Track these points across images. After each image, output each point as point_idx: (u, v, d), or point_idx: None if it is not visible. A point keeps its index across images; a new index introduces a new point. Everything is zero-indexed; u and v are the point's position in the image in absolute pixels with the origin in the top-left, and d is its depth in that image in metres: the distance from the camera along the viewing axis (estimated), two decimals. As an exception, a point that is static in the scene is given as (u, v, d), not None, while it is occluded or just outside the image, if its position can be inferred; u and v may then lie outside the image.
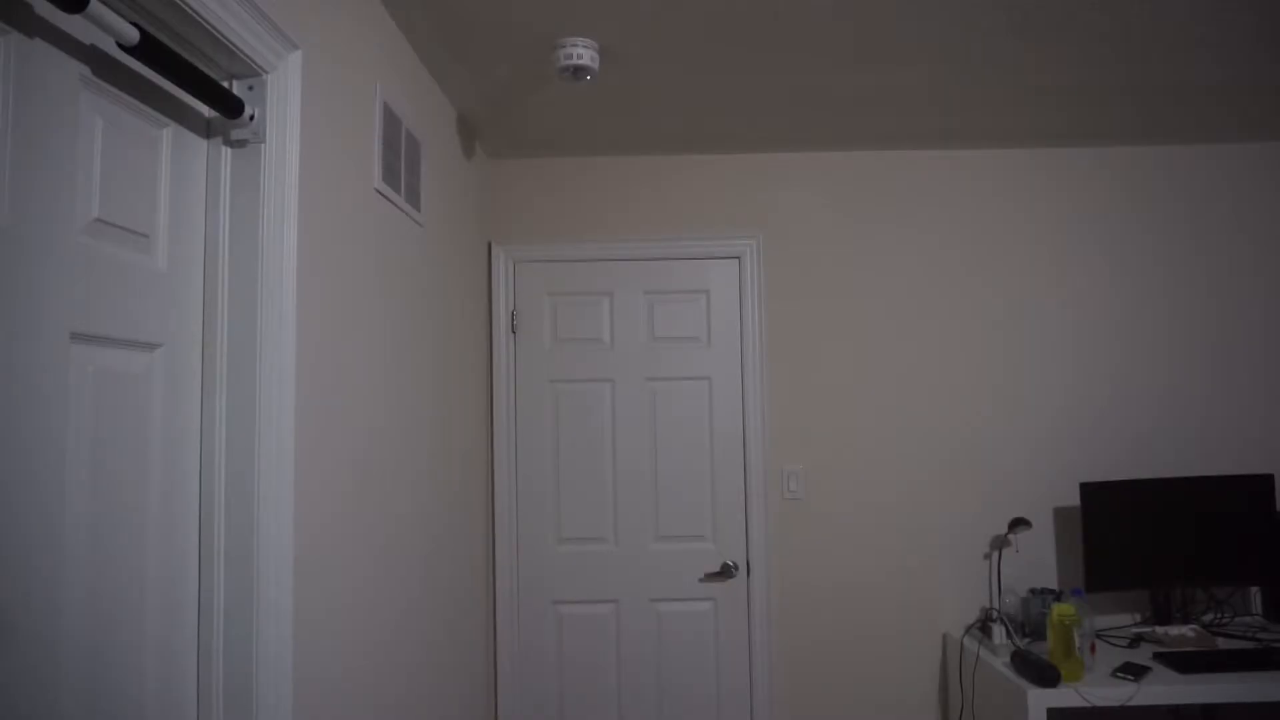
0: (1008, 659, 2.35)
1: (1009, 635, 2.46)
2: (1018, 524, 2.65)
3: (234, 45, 1.18)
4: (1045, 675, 2.13)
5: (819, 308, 2.83)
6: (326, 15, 1.50)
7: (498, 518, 2.76)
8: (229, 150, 1.27)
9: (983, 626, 2.57)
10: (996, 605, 2.72)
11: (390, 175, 1.82)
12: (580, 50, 1.93)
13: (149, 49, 0.99)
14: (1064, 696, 2.12)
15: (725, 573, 2.76)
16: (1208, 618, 2.67)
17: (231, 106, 1.21)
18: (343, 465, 1.55)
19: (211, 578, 1.21)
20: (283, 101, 1.31)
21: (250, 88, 1.28)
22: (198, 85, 1.12)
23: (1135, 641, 2.48)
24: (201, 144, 1.25)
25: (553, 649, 2.75)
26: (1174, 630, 2.49)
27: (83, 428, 0.98)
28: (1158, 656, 2.34)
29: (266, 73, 1.28)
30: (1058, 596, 2.53)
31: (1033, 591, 2.56)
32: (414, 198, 1.98)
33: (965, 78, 2.24)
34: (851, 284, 2.84)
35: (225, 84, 1.27)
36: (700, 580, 2.77)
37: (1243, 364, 2.80)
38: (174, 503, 1.16)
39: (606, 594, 2.76)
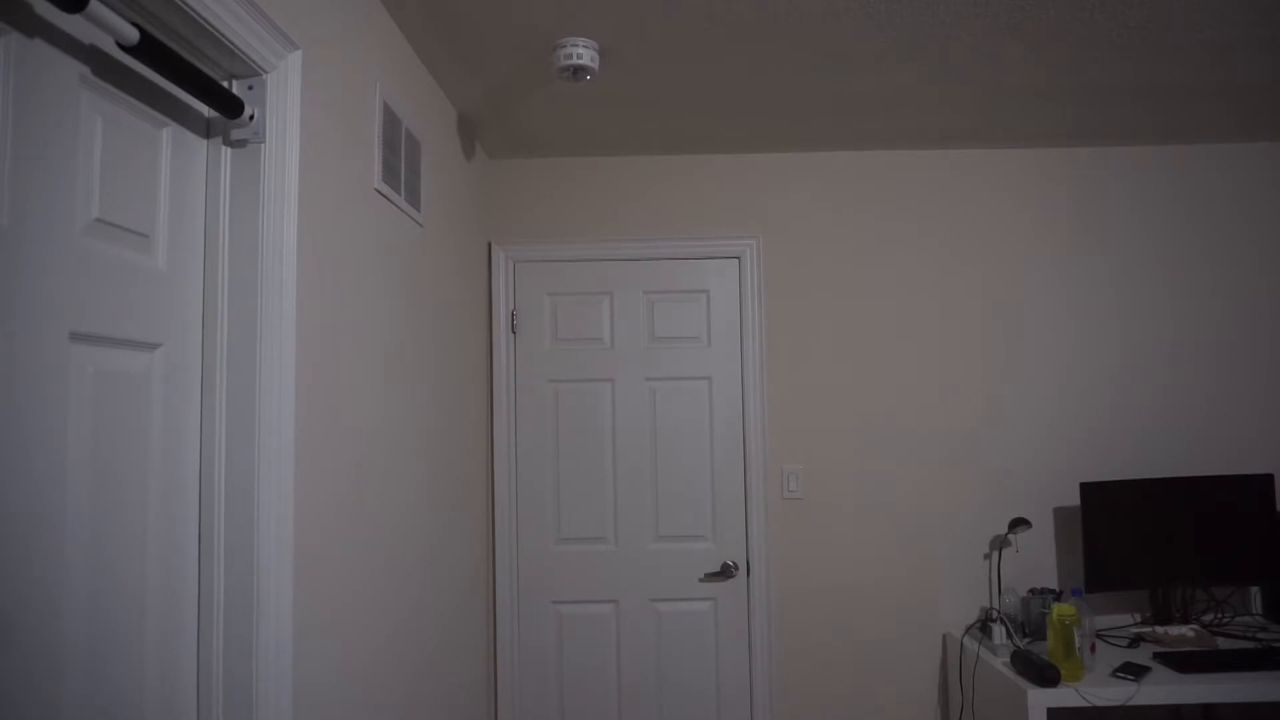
0: (1008, 659, 2.35)
1: (1009, 635, 2.46)
2: (1018, 524, 2.65)
3: (234, 45, 1.18)
4: (1045, 675, 2.13)
5: (819, 307, 2.83)
6: (326, 15, 1.50)
7: (498, 518, 2.76)
8: (229, 150, 1.27)
9: (983, 626, 2.57)
10: (996, 605, 2.72)
11: (390, 175, 1.82)
12: (580, 50, 1.93)
13: (149, 49, 0.99)
14: (1064, 696, 2.12)
15: (725, 573, 2.76)
16: (1208, 618, 2.67)
17: (231, 106, 1.21)
18: (342, 465, 1.55)
19: (211, 577, 1.21)
20: (282, 101, 1.31)
21: (250, 87, 1.28)
22: (197, 85, 1.12)
23: (1135, 641, 2.48)
24: (201, 144, 1.25)
25: (553, 649, 2.75)
26: (1174, 630, 2.49)
27: (83, 428, 0.98)
28: (1158, 656, 2.34)
29: (266, 72, 1.28)
30: (1058, 596, 2.53)
31: (1033, 591, 2.56)
32: (414, 198, 1.98)
33: (965, 78, 2.24)
34: (851, 284, 2.84)
35: (225, 84, 1.27)
36: (700, 580, 2.77)
37: (1243, 364, 2.80)
38: (173, 502, 1.16)
39: (606, 594, 2.76)
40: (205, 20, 1.11)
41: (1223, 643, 2.45)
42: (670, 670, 2.74)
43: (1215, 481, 2.61)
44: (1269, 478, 2.61)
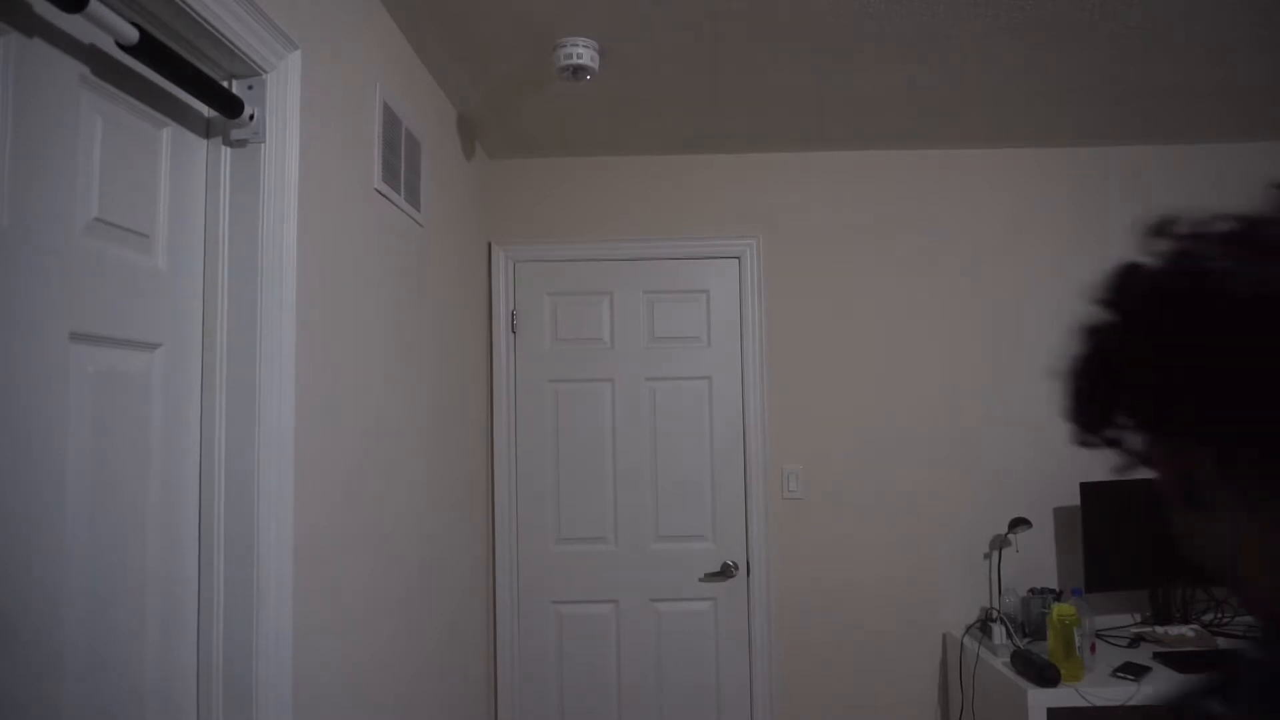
0: (1008, 659, 2.35)
1: (1009, 635, 2.46)
2: (1018, 524, 2.65)
3: (233, 45, 1.18)
4: (1045, 675, 2.13)
5: (819, 307, 2.83)
6: (326, 15, 1.50)
7: (498, 518, 2.76)
8: (229, 150, 1.27)
9: (983, 626, 2.57)
10: (996, 605, 2.72)
11: (390, 175, 1.82)
12: (580, 50, 1.93)
13: (149, 48, 0.99)
14: (1064, 696, 2.12)
15: (725, 572, 2.76)
16: (1208, 618, 2.67)
17: (231, 106, 1.21)
18: (342, 465, 1.55)
19: (211, 576, 1.21)
20: (282, 101, 1.31)
21: (250, 87, 1.28)
22: (197, 85, 1.12)
23: (1135, 641, 2.48)
24: (201, 144, 1.25)
25: (553, 649, 2.75)
26: (1174, 630, 2.49)
27: (83, 427, 0.98)
28: (1158, 656, 2.33)
29: (266, 72, 1.28)
30: (1058, 596, 2.53)
31: (1033, 591, 2.56)
32: (414, 198, 1.98)
33: (965, 78, 2.24)
34: (851, 284, 2.84)
35: (225, 84, 1.27)
36: (700, 580, 2.77)
37: (1243, 364, 2.80)
38: (174, 502, 1.16)
39: (606, 594, 2.76)
40: (205, 20, 1.11)
41: (1223, 643, 2.45)
42: (670, 670, 2.74)
43: (1215, 481, 2.61)
44: (1269, 478, 2.61)
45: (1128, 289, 0.50)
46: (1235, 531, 0.44)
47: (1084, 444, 0.50)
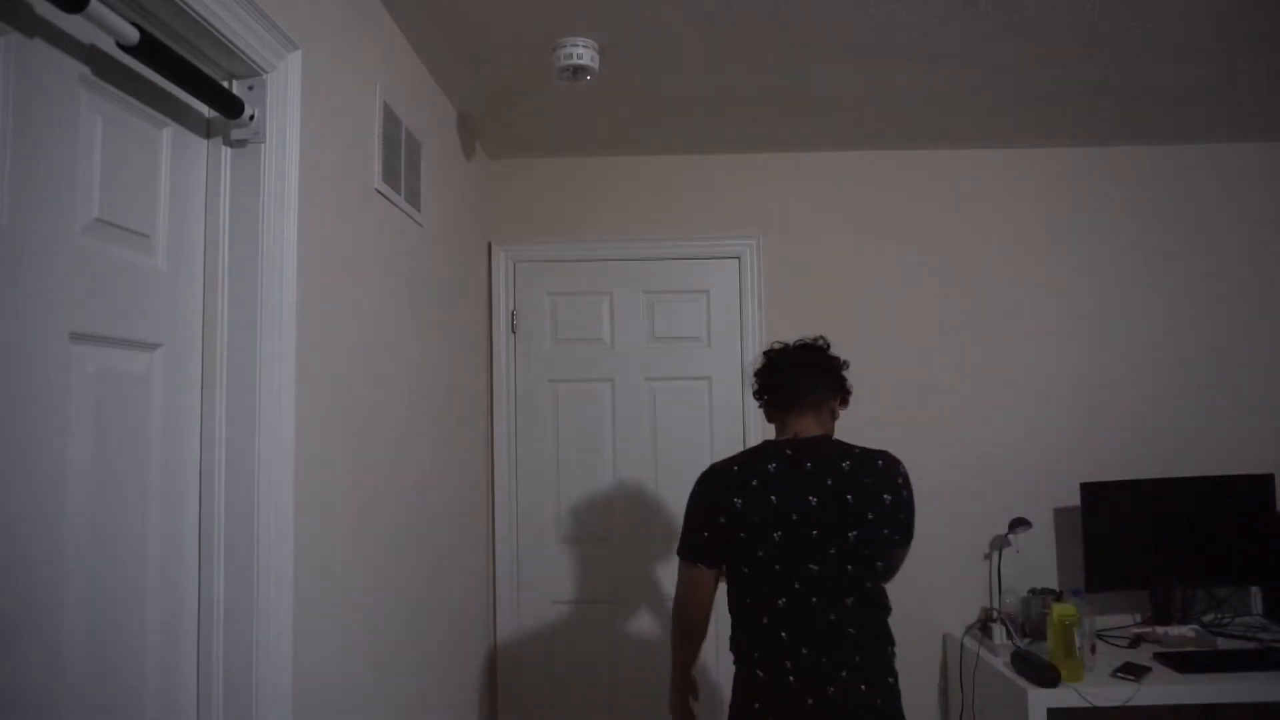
0: (1008, 659, 2.35)
1: (1009, 635, 2.46)
2: (1018, 524, 2.65)
3: (234, 45, 1.18)
4: (1045, 675, 2.13)
5: (818, 307, 2.83)
6: (326, 15, 1.50)
7: (498, 517, 2.76)
8: (229, 150, 1.26)
9: (983, 627, 2.57)
10: (996, 605, 2.72)
11: (390, 175, 1.82)
12: (580, 50, 1.93)
13: (149, 49, 0.99)
14: (1064, 696, 2.12)
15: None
16: (1208, 618, 2.67)
17: (231, 106, 1.21)
18: (342, 466, 1.55)
19: (211, 577, 1.21)
20: (283, 101, 1.30)
21: (250, 87, 1.28)
22: (197, 85, 1.12)
23: (1135, 641, 2.48)
24: (201, 144, 1.25)
25: (553, 649, 2.75)
26: (1174, 630, 2.49)
27: (83, 428, 0.98)
28: (1158, 656, 2.34)
29: (266, 72, 1.28)
30: (1058, 596, 2.53)
31: (1033, 591, 2.56)
32: (414, 198, 1.98)
33: (964, 78, 2.24)
34: (851, 284, 2.84)
35: (225, 84, 1.27)
36: (700, 580, 2.76)
37: (1243, 363, 2.80)
38: (174, 502, 1.16)
39: (606, 594, 2.76)
40: (205, 20, 1.10)
41: (1223, 643, 2.45)
42: (670, 670, 2.73)
43: (1215, 481, 2.61)
44: (1269, 478, 2.61)
45: (769, 353, 1.78)
46: (775, 422, 1.76)
47: (758, 404, 1.79)
